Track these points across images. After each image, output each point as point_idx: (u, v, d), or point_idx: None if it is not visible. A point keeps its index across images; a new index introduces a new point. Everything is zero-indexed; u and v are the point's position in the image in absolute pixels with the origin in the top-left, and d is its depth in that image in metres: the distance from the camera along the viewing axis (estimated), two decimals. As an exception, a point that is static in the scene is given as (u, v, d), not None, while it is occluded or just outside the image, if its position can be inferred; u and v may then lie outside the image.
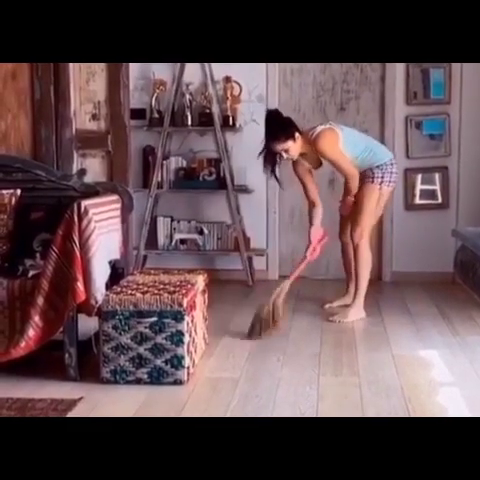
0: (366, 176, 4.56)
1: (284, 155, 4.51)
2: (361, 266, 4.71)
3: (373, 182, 4.55)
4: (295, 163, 4.64)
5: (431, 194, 5.84)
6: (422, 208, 5.83)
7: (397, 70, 5.69)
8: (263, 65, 5.75)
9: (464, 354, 3.89)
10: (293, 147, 4.46)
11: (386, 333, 4.32)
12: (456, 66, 5.61)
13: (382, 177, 4.54)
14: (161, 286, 3.64)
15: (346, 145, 4.49)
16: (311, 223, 4.74)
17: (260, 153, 4.54)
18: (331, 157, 4.52)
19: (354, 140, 4.55)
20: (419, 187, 5.86)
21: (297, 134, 4.45)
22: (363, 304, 4.70)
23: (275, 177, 4.74)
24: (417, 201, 5.86)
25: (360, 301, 4.70)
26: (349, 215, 4.71)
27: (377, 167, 4.54)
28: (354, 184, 4.55)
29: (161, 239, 5.86)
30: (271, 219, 5.94)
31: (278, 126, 4.45)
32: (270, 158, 4.55)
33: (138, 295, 3.45)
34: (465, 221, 5.61)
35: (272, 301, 4.35)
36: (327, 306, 4.91)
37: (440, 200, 5.80)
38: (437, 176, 5.78)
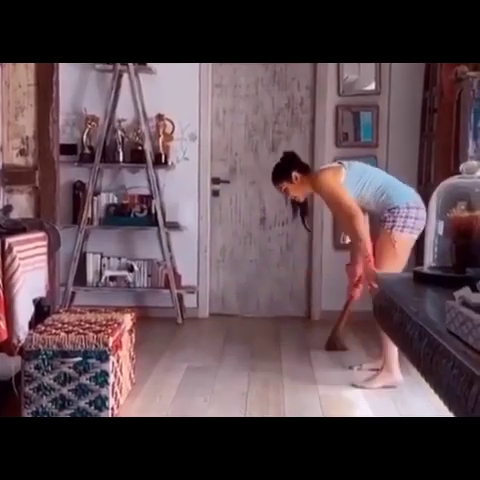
0: (380, 220, 4.11)
1: (288, 196, 4.36)
2: None
3: (384, 227, 4.06)
4: None
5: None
6: (350, 248, 5.91)
7: (327, 112, 5.81)
8: (196, 104, 5.80)
9: (388, 394, 3.94)
10: (291, 188, 4.27)
11: (313, 372, 4.35)
12: (383, 109, 5.78)
13: (393, 221, 4.02)
14: (87, 325, 3.59)
15: (348, 184, 4.11)
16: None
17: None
18: (326, 197, 4.21)
19: (363, 180, 4.14)
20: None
21: (294, 174, 4.25)
22: (397, 367, 4.08)
23: (302, 221, 4.56)
24: (346, 240, 5.94)
25: (391, 366, 4.07)
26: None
27: (388, 211, 4.06)
28: (358, 226, 4.04)
29: (90, 276, 5.78)
30: (202, 257, 5.94)
31: (275, 168, 4.36)
32: (291, 201, 4.41)
33: (62, 334, 3.39)
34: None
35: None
36: (356, 368, 4.44)
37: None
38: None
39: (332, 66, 5.76)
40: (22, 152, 4.15)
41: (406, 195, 4.12)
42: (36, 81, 4.09)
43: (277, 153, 5.90)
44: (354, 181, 4.13)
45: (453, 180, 2.16)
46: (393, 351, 3.98)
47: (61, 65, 4.47)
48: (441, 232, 2.08)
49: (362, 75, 5.85)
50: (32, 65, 4.10)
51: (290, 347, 4.95)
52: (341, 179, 4.13)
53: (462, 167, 2.13)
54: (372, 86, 5.81)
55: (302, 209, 4.52)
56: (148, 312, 5.65)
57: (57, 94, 4.10)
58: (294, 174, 4.26)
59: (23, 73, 4.08)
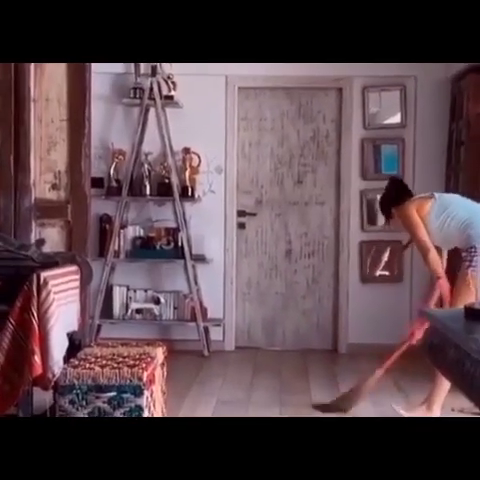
0: (461, 258, 4.05)
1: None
2: None
3: (463, 266, 3.99)
4: None
5: (386, 266, 5.91)
6: (377, 281, 5.89)
7: (353, 145, 5.83)
8: (222, 137, 5.83)
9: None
10: (392, 222, 4.36)
11: (344, 407, 4.30)
12: (409, 141, 5.78)
13: (470, 261, 3.94)
14: (120, 359, 3.57)
15: (433, 216, 4.10)
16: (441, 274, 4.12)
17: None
18: (405, 225, 4.19)
19: (447, 213, 4.08)
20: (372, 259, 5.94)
21: (393, 211, 4.24)
22: (438, 410, 4.04)
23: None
24: (371, 273, 5.93)
25: (432, 406, 4.04)
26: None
27: (466, 250, 3.99)
28: (430, 261, 4.06)
29: (117, 308, 5.78)
30: (228, 289, 5.93)
31: (383, 197, 4.38)
32: None
33: (97, 369, 3.37)
34: (418, 294, 5.68)
35: (356, 388, 4.29)
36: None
37: (395, 272, 5.88)
38: (389, 250, 5.87)
39: (357, 99, 5.79)
40: (54, 186, 4.18)
41: None
42: (68, 116, 4.13)
43: (303, 185, 5.93)
44: (439, 213, 4.09)
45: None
46: (440, 394, 3.97)
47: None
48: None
49: (385, 108, 5.87)
50: (64, 101, 4.14)
51: (319, 381, 4.91)
52: (425, 211, 4.11)
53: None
54: (397, 119, 5.83)
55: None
56: (174, 345, 5.61)
57: (89, 129, 4.13)
58: (393, 211, 4.27)
59: (56, 108, 4.13)
